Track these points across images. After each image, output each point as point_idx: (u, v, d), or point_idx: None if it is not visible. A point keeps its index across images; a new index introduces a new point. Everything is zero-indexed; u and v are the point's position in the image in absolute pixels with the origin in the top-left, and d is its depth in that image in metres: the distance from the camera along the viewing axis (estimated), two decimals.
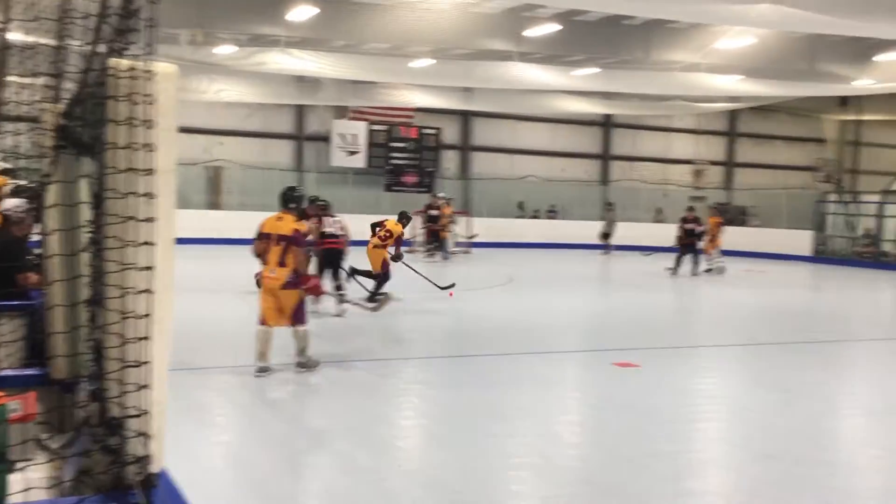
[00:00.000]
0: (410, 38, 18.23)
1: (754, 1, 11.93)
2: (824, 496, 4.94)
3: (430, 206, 22.64)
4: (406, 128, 29.14)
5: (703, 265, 19.98)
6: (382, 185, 28.96)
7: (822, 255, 27.20)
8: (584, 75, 20.88)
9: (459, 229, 23.81)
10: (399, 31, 17.74)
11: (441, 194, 23.80)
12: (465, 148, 30.96)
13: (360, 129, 28.44)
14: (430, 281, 12.92)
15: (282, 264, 7.30)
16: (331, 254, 10.93)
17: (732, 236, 26.57)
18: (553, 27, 18.41)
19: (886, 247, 26.39)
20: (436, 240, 22.32)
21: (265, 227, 7.52)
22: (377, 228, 12.15)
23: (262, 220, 7.67)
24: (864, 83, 21.05)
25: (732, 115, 34.01)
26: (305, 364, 7.43)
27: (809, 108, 32.91)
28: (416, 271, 12.75)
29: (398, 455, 5.53)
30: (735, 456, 5.84)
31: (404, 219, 12.62)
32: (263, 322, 7.43)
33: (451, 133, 30.54)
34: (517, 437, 6.03)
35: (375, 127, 28.66)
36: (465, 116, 30.50)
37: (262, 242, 7.49)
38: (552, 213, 31.19)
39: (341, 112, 28.39)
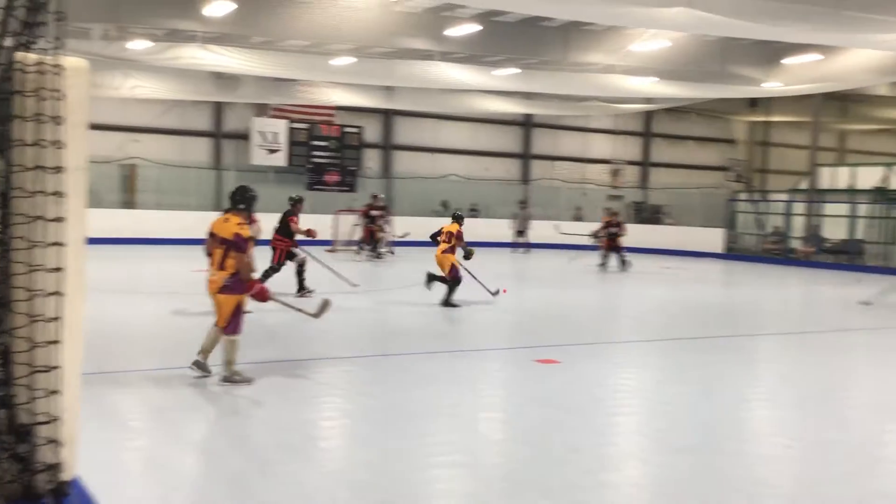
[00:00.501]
0: (331, 36, 18.09)
1: (668, 4, 12.24)
2: (737, 485, 5.11)
3: (371, 207, 22.61)
4: (327, 126, 28.92)
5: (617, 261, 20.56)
6: (304, 183, 28.68)
7: (733, 253, 28.12)
8: (505, 75, 21.10)
9: (389, 229, 23.81)
10: (319, 29, 17.58)
11: (381, 195, 23.82)
12: (387, 147, 30.91)
13: (280, 126, 28.10)
14: (480, 283, 13.27)
15: (221, 267, 7.11)
16: None
17: (649, 235, 27.31)
18: (473, 27, 18.53)
19: (794, 244, 27.45)
20: (373, 240, 22.32)
21: (213, 227, 7.32)
22: (438, 237, 13.12)
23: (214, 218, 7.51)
24: (772, 85, 21.83)
25: (647, 115, 34.88)
26: (230, 379, 7.14)
27: (720, 109, 34.02)
28: (469, 272, 13.20)
29: (320, 457, 5.48)
30: (653, 448, 5.98)
31: (459, 219, 13.52)
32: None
33: (372, 132, 30.45)
34: (441, 435, 6.05)
35: (296, 125, 28.36)
36: (387, 115, 30.46)
37: (211, 242, 7.28)
38: (474, 212, 31.39)
39: (261, 109, 28.00)
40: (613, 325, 12.98)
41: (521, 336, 11.36)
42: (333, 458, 5.51)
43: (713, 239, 28.32)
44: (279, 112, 28.14)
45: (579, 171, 34.49)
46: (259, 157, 27.75)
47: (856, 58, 19.21)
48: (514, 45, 20.08)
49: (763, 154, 37.47)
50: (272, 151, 27.99)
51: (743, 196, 30.14)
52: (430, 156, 31.64)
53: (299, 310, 8.31)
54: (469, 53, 20.49)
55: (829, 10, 12.63)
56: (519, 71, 21.14)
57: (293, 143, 28.28)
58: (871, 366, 9.80)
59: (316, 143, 28.68)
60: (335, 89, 24.41)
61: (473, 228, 29.26)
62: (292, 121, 28.29)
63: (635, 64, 20.37)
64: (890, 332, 12.54)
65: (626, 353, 9.91)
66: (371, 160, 30.63)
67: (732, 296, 16.44)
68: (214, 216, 7.72)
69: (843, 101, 32.39)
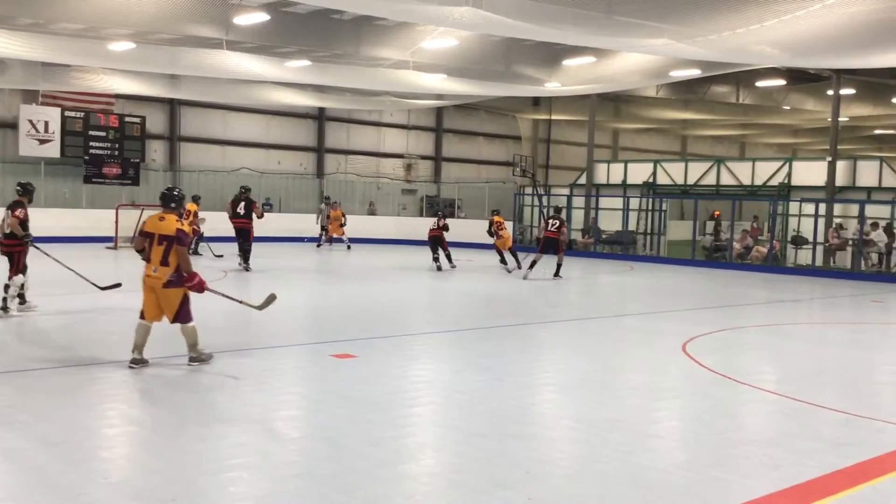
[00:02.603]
0: (107, 20, 16.99)
1: (455, 3, 12.57)
2: (526, 466, 5.35)
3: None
4: (105, 115, 27.21)
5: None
6: (81, 176, 26.86)
7: (520, 244, 29.40)
8: (297, 67, 20.78)
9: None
10: (94, 12, 16.47)
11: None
12: (173, 138, 29.58)
13: (52, 115, 26.11)
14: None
15: (164, 263, 7.67)
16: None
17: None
18: (262, 16, 18.10)
19: (574, 235, 29.12)
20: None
21: (147, 226, 7.87)
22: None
23: (146, 218, 8.07)
24: (553, 86, 23.03)
25: (439, 111, 35.74)
26: (198, 358, 7.97)
27: (506, 107, 35.49)
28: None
29: (102, 467, 5.14)
30: (448, 437, 6.13)
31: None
32: (143, 317, 7.86)
33: (156, 122, 29.05)
34: (234, 437, 5.87)
35: (70, 113, 26.48)
36: (172, 105, 29.16)
37: (142, 240, 7.87)
38: (267, 206, 30.75)
39: (30, 96, 25.88)
40: (408, 317, 13.17)
41: (316, 332, 11.26)
42: (117, 468, 5.19)
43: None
44: (51, 99, 26.15)
45: (373, 166, 34.74)
46: (28, 148, 25.67)
47: (626, 61, 20.69)
48: (305, 37, 19.86)
49: (546, 150, 39.53)
50: (43, 142, 25.96)
51: (528, 190, 31.59)
52: (221, 148, 30.65)
53: (241, 301, 8.85)
54: (259, 43, 20.00)
55: (601, 15, 13.51)
56: (310, 63, 20.91)
57: (67, 133, 26.39)
58: (644, 348, 10.60)
59: (93, 133, 26.93)
60: (114, 76, 22.97)
61: (267, 223, 28.73)
62: (66, 109, 26.39)
63: (425, 61, 20.76)
64: (657, 315, 13.63)
65: (422, 345, 10.10)
66: (155, 152, 29.20)
67: (520, 285, 17.20)
68: None
69: (616, 102, 34.85)
